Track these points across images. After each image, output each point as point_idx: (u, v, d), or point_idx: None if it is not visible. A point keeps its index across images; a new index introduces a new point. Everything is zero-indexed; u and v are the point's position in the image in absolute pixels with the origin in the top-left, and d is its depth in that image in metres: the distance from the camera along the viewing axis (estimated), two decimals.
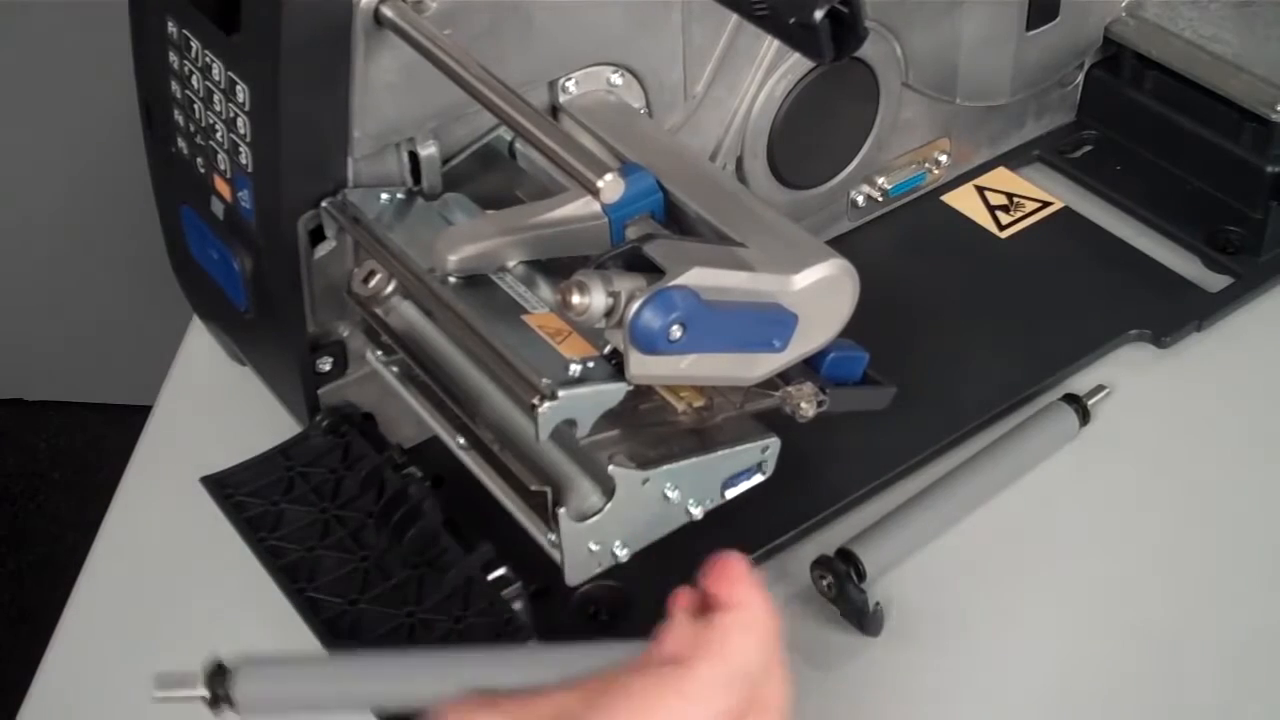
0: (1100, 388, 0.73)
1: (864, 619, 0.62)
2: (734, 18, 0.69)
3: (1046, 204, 0.85)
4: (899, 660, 0.62)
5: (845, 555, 0.64)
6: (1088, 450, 0.71)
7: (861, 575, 0.64)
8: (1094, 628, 0.63)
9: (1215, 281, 0.80)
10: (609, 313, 0.52)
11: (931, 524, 0.67)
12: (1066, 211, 0.85)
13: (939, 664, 0.62)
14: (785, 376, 0.59)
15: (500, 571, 0.59)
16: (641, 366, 0.53)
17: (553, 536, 0.56)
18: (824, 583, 0.63)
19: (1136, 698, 0.60)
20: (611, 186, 0.53)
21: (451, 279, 0.58)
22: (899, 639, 0.63)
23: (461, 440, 0.61)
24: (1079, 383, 0.74)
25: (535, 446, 0.58)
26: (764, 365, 0.57)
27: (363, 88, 0.59)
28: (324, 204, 0.61)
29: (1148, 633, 0.63)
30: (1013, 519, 0.68)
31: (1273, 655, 0.62)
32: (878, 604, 0.63)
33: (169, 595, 0.66)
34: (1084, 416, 0.71)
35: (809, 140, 0.76)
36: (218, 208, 0.65)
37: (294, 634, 0.59)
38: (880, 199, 0.83)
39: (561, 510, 0.55)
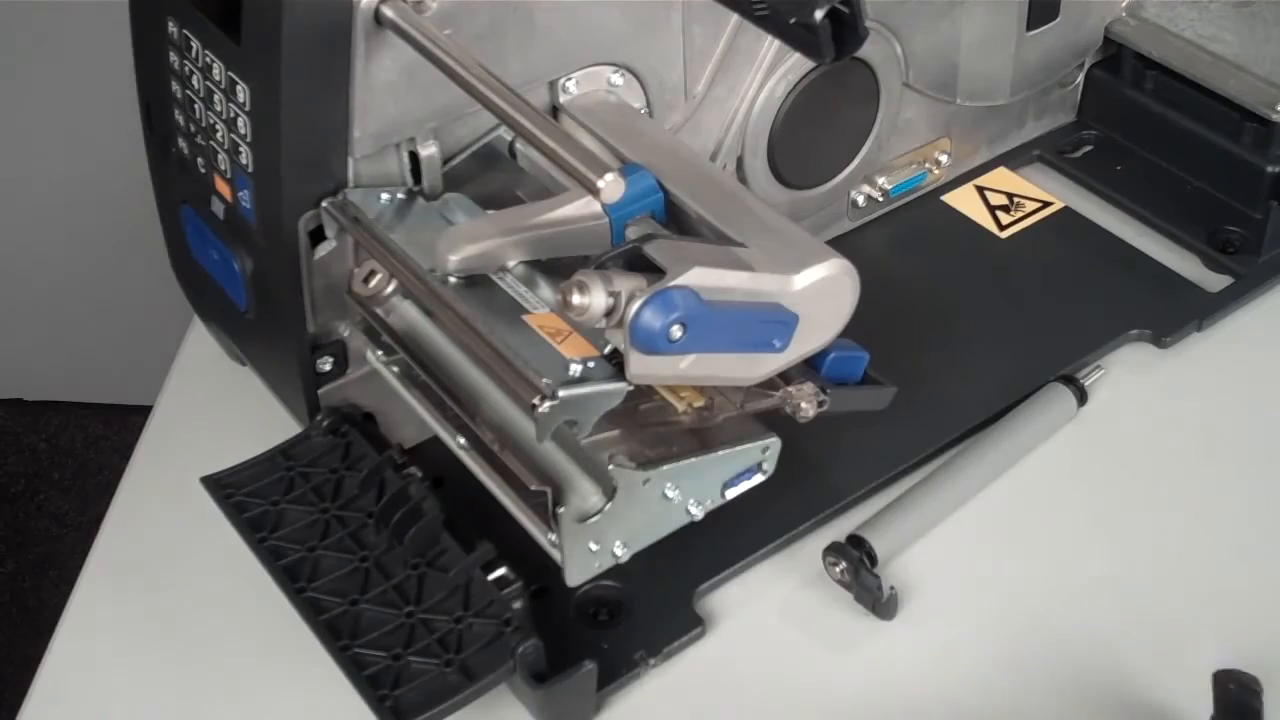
0: (1096, 367, 0.73)
1: (878, 603, 0.62)
2: (734, 18, 0.69)
3: (1046, 204, 0.85)
4: (913, 642, 0.63)
5: (856, 541, 0.64)
6: (1088, 449, 0.71)
7: (873, 560, 0.64)
8: (1098, 622, 0.63)
9: (1215, 281, 0.80)
10: (609, 313, 0.52)
11: (938, 508, 0.67)
12: (1066, 211, 0.85)
13: (952, 645, 0.62)
14: (786, 376, 0.59)
15: (500, 571, 0.59)
16: (642, 366, 0.53)
17: (553, 536, 0.57)
18: (837, 569, 0.63)
19: (1142, 676, 0.61)
20: (612, 186, 0.53)
21: (452, 279, 0.58)
22: (910, 621, 0.63)
23: (461, 440, 0.61)
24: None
25: (535, 446, 0.58)
26: (764, 365, 0.57)
27: (363, 88, 0.59)
28: (324, 204, 0.61)
29: (1152, 629, 0.63)
30: (1015, 517, 0.68)
31: (1270, 651, 0.62)
32: (892, 588, 0.63)
33: (169, 595, 0.66)
34: (1081, 396, 0.71)
35: (809, 140, 0.76)
36: (218, 208, 0.65)
37: (294, 634, 0.59)
38: (880, 199, 0.83)
39: (561, 510, 0.55)
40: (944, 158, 0.85)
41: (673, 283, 0.52)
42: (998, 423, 0.71)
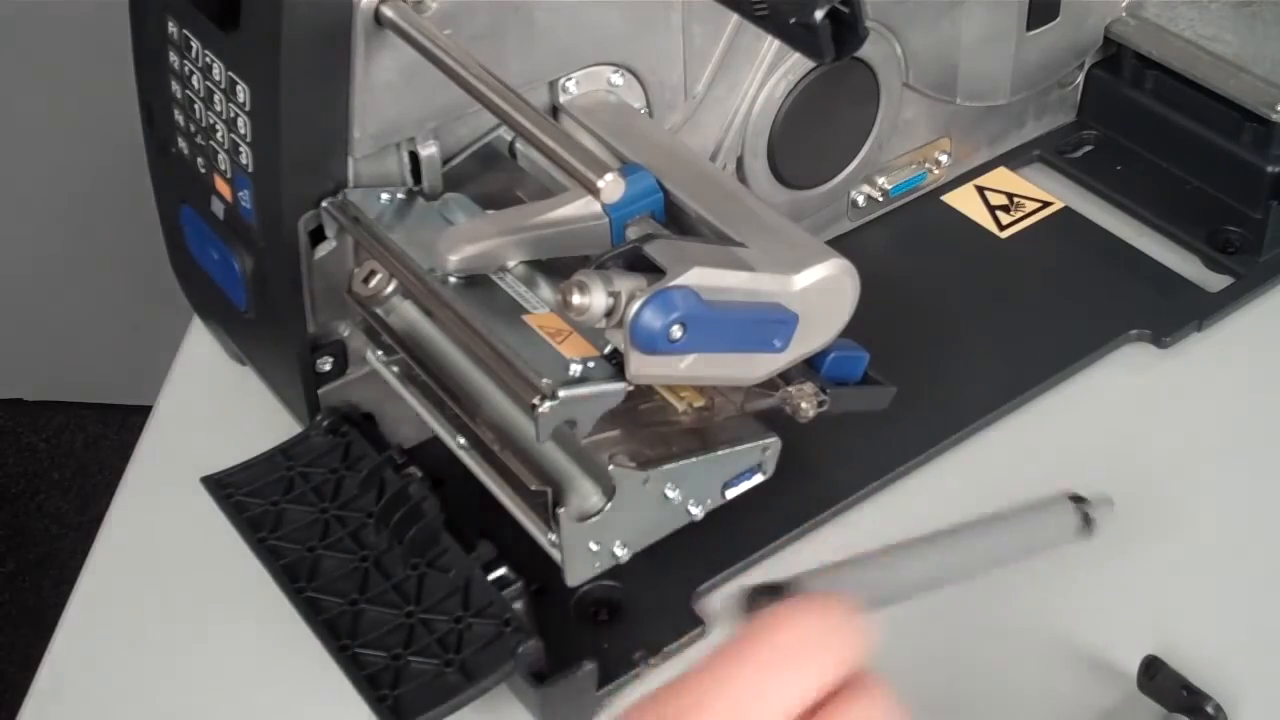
0: (1109, 501, 0.60)
1: None
2: (734, 18, 0.69)
3: (1046, 204, 0.85)
4: (911, 643, 0.62)
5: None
6: (1088, 449, 0.71)
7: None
8: (1096, 621, 0.63)
9: (1215, 281, 0.80)
10: (609, 313, 0.52)
11: (893, 588, 0.56)
12: (1066, 211, 0.85)
13: (950, 645, 0.62)
14: (786, 376, 0.59)
15: (500, 571, 0.59)
16: (642, 366, 0.53)
17: (553, 536, 0.57)
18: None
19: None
20: (612, 186, 0.53)
21: (452, 279, 0.58)
22: (909, 621, 0.63)
23: (461, 440, 0.61)
24: (1079, 383, 0.74)
25: (535, 446, 0.58)
26: (764, 365, 0.57)
27: (363, 88, 0.59)
28: (324, 204, 0.61)
29: (1149, 630, 0.63)
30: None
31: (1272, 657, 0.62)
32: None
33: (169, 595, 0.66)
34: (1086, 521, 0.60)
35: (809, 140, 0.76)
36: (218, 208, 0.65)
37: (294, 634, 0.59)
38: (880, 199, 0.83)
39: (561, 510, 0.55)
40: (944, 158, 0.85)
41: (673, 283, 0.52)
42: (985, 523, 0.58)
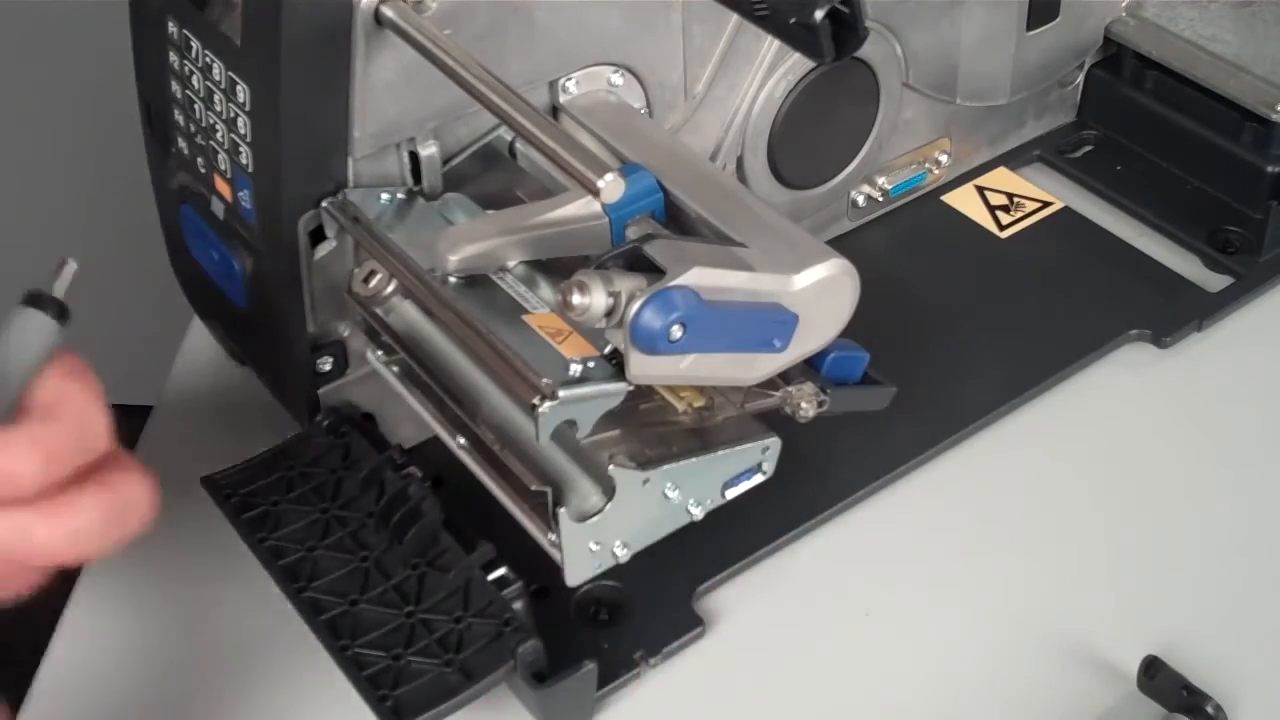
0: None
1: None
2: (734, 18, 0.69)
3: (1046, 204, 0.85)
4: (914, 643, 0.63)
5: None
6: (1088, 449, 0.71)
7: None
8: (1098, 621, 0.63)
9: (1215, 281, 0.80)
10: (609, 313, 0.52)
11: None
12: (1066, 211, 0.85)
13: (952, 647, 0.62)
14: (786, 376, 0.59)
15: (500, 571, 0.59)
16: (642, 366, 0.53)
17: (553, 536, 0.57)
18: None
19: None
20: (612, 186, 0.53)
21: (452, 279, 0.58)
22: (912, 623, 0.63)
23: (461, 440, 0.61)
24: (1079, 383, 0.75)
25: (535, 446, 0.58)
26: (764, 365, 0.57)
27: (363, 88, 0.59)
28: (324, 204, 0.61)
29: (1150, 630, 0.63)
30: (1014, 517, 0.68)
31: (1272, 657, 0.62)
32: None
33: (169, 595, 0.66)
34: None
35: (809, 140, 0.76)
36: (218, 208, 0.65)
37: (294, 634, 0.59)
38: (880, 199, 0.83)
39: (561, 510, 0.55)
40: (944, 158, 0.85)
41: (673, 283, 0.52)
42: None
